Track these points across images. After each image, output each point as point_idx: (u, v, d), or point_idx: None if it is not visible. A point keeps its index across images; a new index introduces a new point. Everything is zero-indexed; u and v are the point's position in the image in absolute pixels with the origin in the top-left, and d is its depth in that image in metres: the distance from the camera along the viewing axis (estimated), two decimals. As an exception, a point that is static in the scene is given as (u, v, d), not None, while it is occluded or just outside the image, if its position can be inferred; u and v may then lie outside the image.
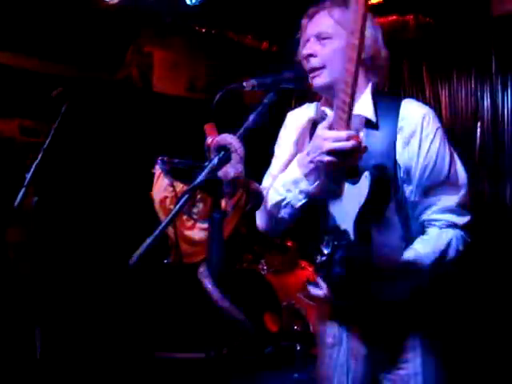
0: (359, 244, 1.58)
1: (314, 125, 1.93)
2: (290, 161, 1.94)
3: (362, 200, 1.55)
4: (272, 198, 1.82)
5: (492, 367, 3.75)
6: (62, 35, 4.26)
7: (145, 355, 3.27)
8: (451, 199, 1.78)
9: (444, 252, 1.74)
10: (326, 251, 1.68)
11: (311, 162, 1.66)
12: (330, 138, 1.57)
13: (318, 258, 1.72)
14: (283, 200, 1.77)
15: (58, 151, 3.38)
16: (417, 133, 1.75)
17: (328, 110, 1.87)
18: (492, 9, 4.31)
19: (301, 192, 1.73)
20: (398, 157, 1.74)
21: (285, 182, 1.78)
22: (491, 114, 4.77)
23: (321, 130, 1.63)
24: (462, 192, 1.80)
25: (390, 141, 1.75)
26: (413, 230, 1.80)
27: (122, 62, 4.80)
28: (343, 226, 1.63)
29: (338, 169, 1.60)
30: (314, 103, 2.00)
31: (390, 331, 1.82)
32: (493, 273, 4.28)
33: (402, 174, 1.75)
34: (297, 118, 2.02)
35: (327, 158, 1.58)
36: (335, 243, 1.65)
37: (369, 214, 1.58)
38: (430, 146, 1.76)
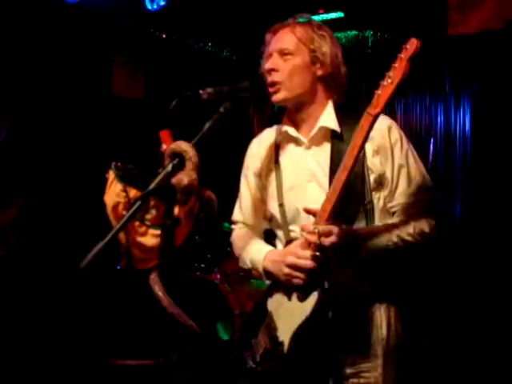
0: (292, 360, 1.71)
1: (276, 147, 1.95)
2: (254, 193, 2.02)
3: (304, 318, 1.68)
4: (243, 262, 2.01)
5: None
6: (19, 34, 4.18)
7: (94, 362, 3.22)
8: (429, 196, 1.86)
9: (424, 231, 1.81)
10: (257, 359, 1.79)
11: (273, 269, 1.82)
12: (295, 254, 1.70)
13: (250, 362, 1.82)
14: (251, 269, 1.96)
15: (12, 152, 3.32)
16: (386, 142, 1.81)
17: (291, 130, 1.89)
18: (448, 29, 4.43)
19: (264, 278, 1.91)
20: (369, 164, 1.79)
21: (252, 261, 1.95)
22: (444, 130, 4.92)
23: (293, 246, 1.76)
24: (433, 190, 1.90)
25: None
26: None
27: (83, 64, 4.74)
28: (280, 338, 1.74)
29: (295, 282, 1.71)
30: (274, 126, 2.02)
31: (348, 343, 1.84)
32: (442, 282, 4.42)
33: (372, 181, 1.80)
34: (258, 147, 2.03)
35: (286, 271, 1.71)
36: (267, 358, 1.77)
37: (311, 330, 1.69)
38: (402, 153, 1.82)
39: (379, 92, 1.59)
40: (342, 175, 1.63)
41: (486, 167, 4.57)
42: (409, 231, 1.77)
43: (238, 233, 2.11)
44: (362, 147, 1.63)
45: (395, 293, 1.89)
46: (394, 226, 1.79)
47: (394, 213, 1.85)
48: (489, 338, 4.08)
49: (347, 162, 1.62)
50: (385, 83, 1.59)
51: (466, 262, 4.47)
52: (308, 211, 1.70)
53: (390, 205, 1.84)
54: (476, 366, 3.83)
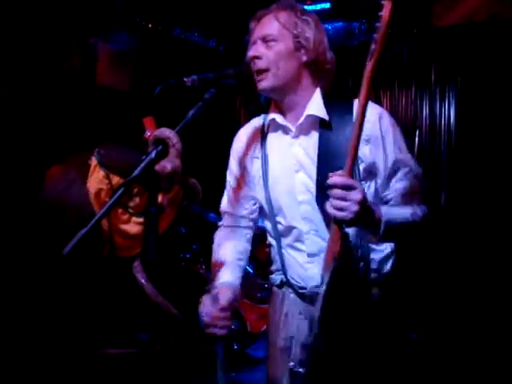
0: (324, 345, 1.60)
1: (263, 136, 1.92)
2: (240, 183, 1.99)
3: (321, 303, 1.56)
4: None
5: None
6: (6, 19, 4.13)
7: (76, 350, 3.21)
8: (425, 185, 1.83)
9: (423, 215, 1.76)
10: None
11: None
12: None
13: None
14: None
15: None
16: (377, 131, 1.77)
17: (279, 118, 1.86)
18: (433, 21, 4.46)
19: None
20: (359, 153, 1.71)
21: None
22: (429, 122, 4.95)
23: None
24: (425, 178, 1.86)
25: (346, 139, 1.70)
26: None
27: (67, 52, 4.70)
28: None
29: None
30: (262, 115, 1.99)
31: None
32: (428, 271, 4.46)
33: (362, 170, 1.76)
34: (245, 136, 2.00)
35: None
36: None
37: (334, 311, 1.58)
38: (394, 141, 1.79)
39: (373, 47, 1.54)
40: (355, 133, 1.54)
41: (470, 158, 4.60)
42: (418, 213, 1.73)
43: (221, 234, 2.09)
44: (366, 105, 1.54)
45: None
46: (405, 207, 1.74)
47: (389, 200, 1.82)
48: (474, 324, 4.12)
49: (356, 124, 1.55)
50: (375, 37, 1.54)
51: (451, 251, 4.51)
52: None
53: (384, 193, 1.82)
54: (464, 356, 3.86)
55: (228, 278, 1.95)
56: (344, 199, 1.48)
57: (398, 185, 1.80)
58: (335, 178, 1.49)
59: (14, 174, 3.84)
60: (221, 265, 2.00)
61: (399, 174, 1.80)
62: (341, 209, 1.48)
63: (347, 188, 1.48)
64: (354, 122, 1.56)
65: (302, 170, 1.80)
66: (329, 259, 1.56)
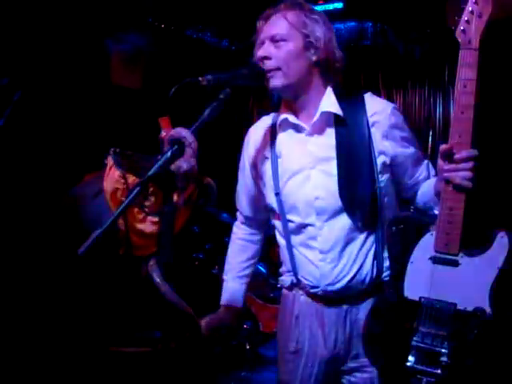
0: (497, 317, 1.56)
1: (273, 135, 1.93)
2: (250, 184, 2.01)
3: (500, 264, 1.59)
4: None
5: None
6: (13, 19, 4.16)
7: (90, 349, 3.22)
8: (426, 171, 1.89)
9: None
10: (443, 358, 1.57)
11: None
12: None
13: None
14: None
15: (10, 140, 3.30)
16: (393, 126, 1.80)
17: (291, 118, 1.86)
18: (447, 20, 4.44)
19: None
20: (380, 148, 1.79)
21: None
22: (443, 122, 4.92)
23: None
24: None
25: (363, 134, 1.78)
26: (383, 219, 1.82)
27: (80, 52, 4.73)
28: (469, 306, 1.58)
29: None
30: (272, 114, 2.00)
31: (351, 336, 1.84)
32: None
33: (380, 164, 1.79)
34: (255, 135, 2.00)
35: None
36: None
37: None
38: (407, 135, 1.84)
39: (467, 25, 1.60)
40: (467, 115, 1.64)
41: (485, 159, 4.56)
42: None
43: (233, 238, 2.18)
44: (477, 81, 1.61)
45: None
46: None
47: (413, 185, 1.88)
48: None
49: (468, 99, 1.65)
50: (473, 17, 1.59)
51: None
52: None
53: (409, 181, 1.87)
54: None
55: (228, 296, 2.13)
56: (472, 170, 1.60)
57: (422, 172, 1.88)
58: (467, 152, 1.60)
59: (26, 172, 3.87)
60: (225, 276, 2.16)
61: (423, 168, 1.87)
62: (469, 179, 1.60)
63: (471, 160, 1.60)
64: (460, 93, 1.65)
65: (318, 166, 1.81)
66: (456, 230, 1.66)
